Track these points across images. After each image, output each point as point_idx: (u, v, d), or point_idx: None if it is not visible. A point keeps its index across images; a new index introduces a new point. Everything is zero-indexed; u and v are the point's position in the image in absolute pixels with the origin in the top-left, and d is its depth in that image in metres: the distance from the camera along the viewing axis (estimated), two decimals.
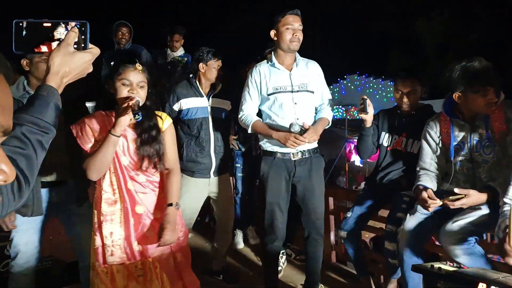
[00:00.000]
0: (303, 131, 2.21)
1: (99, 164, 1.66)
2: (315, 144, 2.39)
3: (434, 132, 2.16)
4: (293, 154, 2.35)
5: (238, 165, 3.51)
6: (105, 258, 1.70)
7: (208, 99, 2.67)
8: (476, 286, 1.35)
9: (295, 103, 2.34)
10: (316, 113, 2.45)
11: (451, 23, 15.03)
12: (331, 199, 3.15)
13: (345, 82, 13.97)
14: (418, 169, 2.19)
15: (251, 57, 3.24)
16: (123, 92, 1.70)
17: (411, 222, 2.09)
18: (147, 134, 1.76)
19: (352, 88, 13.66)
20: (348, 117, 11.19)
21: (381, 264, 2.77)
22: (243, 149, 3.45)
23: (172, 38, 4.25)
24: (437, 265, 1.59)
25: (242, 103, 2.44)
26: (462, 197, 1.84)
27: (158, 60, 4.38)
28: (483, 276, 1.43)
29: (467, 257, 1.85)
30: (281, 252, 3.07)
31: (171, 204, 1.79)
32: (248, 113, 2.41)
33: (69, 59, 0.94)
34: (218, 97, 2.71)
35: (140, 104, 1.69)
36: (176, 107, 2.65)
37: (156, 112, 1.88)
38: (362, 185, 6.88)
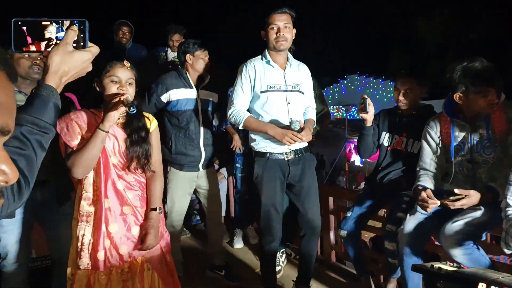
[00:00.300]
0: (300, 130, 2.21)
1: (86, 161, 1.59)
2: (306, 143, 2.38)
3: (434, 132, 2.15)
4: (286, 154, 2.32)
5: (238, 165, 3.51)
6: (94, 259, 1.62)
7: (198, 91, 2.64)
8: (476, 286, 1.35)
9: (289, 103, 2.32)
10: (303, 115, 2.46)
11: (451, 23, 15.03)
12: (331, 199, 3.15)
13: (345, 82, 13.99)
14: (418, 169, 2.19)
15: (251, 57, 3.23)
16: (112, 89, 1.66)
17: (411, 222, 2.08)
18: (136, 134, 1.73)
19: (352, 88, 13.68)
20: (348, 116, 11.20)
21: (380, 263, 2.77)
22: (244, 149, 3.45)
23: (172, 38, 4.25)
24: (437, 265, 1.59)
25: (233, 97, 2.35)
26: (462, 198, 1.84)
27: (159, 60, 4.38)
28: (483, 276, 1.43)
29: (467, 257, 1.84)
30: (281, 251, 3.07)
31: (154, 209, 1.76)
32: (240, 108, 2.32)
33: (68, 58, 0.93)
34: (206, 89, 2.70)
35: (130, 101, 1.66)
36: (164, 98, 2.58)
37: (143, 113, 1.85)
38: (362, 185, 6.89)
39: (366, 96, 2.34)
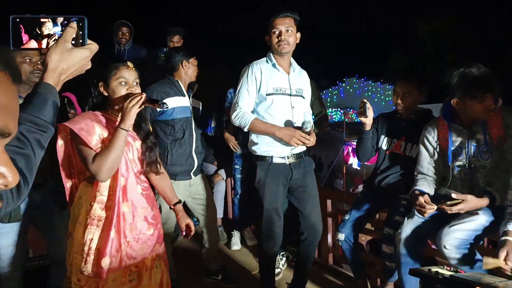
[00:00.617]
0: (307, 133, 2.21)
1: (112, 164, 1.56)
2: (305, 147, 2.39)
3: (432, 137, 2.16)
4: (287, 157, 2.32)
5: (237, 166, 3.51)
6: (97, 265, 1.57)
7: (190, 99, 2.65)
8: None
9: (293, 107, 2.33)
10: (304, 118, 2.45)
11: (451, 23, 15.06)
12: (329, 202, 3.15)
13: (343, 85, 14.01)
14: (416, 173, 2.19)
15: (251, 57, 3.24)
16: (122, 91, 1.65)
17: (409, 225, 2.09)
18: (149, 140, 1.76)
19: (351, 91, 13.70)
20: (346, 119, 11.22)
21: (378, 267, 2.78)
22: (242, 151, 3.45)
23: (172, 40, 4.25)
24: (434, 269, 1.60)
25: (238, 99, 2.32)
26: (460, 202, 1.85)
27: (158, 61, 4.37)
28: (479, 280, 1.44)
29: (464, 262, 1.85)
30: (281, 254, 3.07)
31: (178, 202, 1.95)
32: (245, 110, 2.30)
33: (67, 56, 0.92)
34: (192, 97, 2.73)
35: None
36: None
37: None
38: (360, 187, 6.90)
39: (365, 100, 2.35)
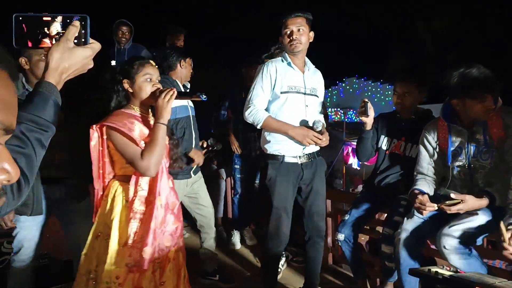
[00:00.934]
0: (320, 132, 2.22)
1: (159, 158, 1.62)
2: (318, 147, 2.39)
3: (431, 137, 2.16)
4: (299, 157, 2.31)
5: (237, 166, 3.51)
6: (142, 259, 1.61)
7: None
8: None
9: (307, 105, 2.33)
10: None
11: (451, 23, 15.05)
12: (328, 202, 3.15)
13: (343, 85, 13.99)
14: (415, 173, 2.20)
15: (251, 57, 3.24)
16: (148, 87, 1.70)
17: (408, 225, 2.09)
18: (174, 137, 1.86)
19: (351, 91, 13.68)
20: (346, 119, 11.20)
21: (377, 267, 2.78)
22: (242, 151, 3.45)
23: (178, 37, 4.25)
24: (434, 269, 1.60)
25: (252, 97, 2.30)
26: (459, 202, 1.85)
27: (158, 60, 4.37)
28: (479, 280, 1.44)
29: (463, 262, 1.85)
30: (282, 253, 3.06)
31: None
32: (259, 107, 2.28)
33: (68, 54, 0.91)
34: None
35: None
36: None
37: None
38: (359, 187, 6.89)
39: (366, 100, 2.35)
